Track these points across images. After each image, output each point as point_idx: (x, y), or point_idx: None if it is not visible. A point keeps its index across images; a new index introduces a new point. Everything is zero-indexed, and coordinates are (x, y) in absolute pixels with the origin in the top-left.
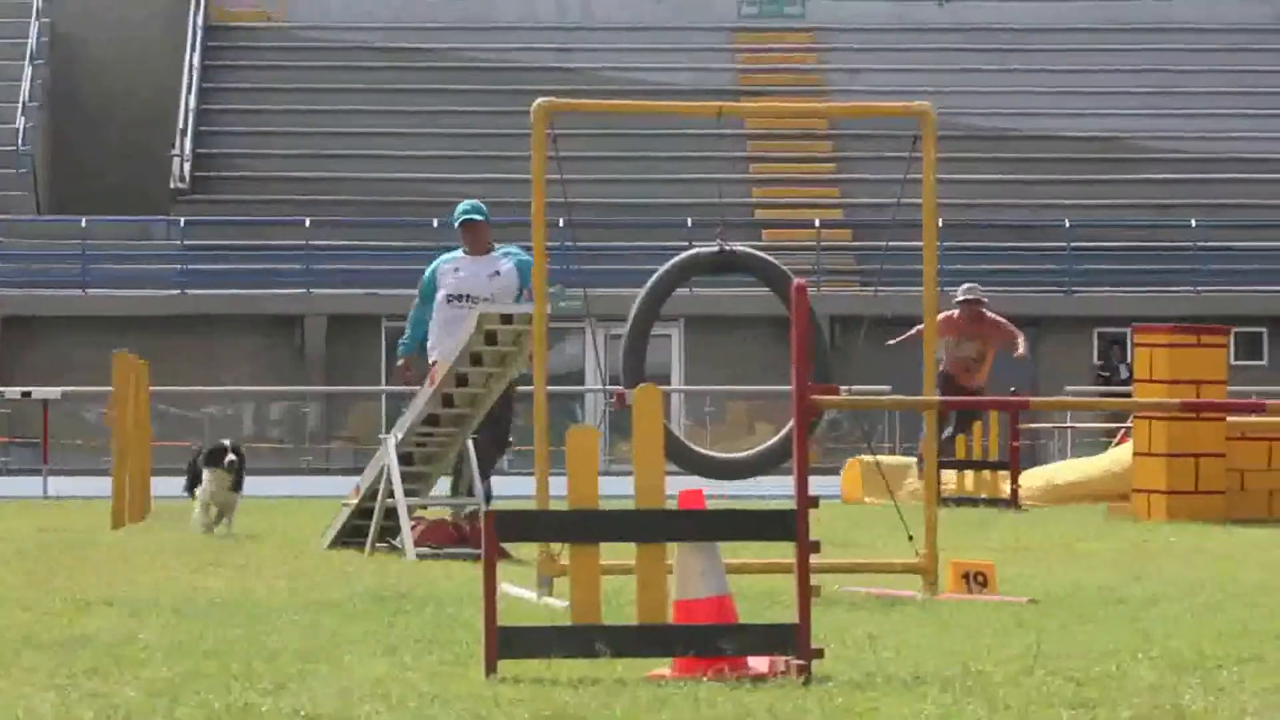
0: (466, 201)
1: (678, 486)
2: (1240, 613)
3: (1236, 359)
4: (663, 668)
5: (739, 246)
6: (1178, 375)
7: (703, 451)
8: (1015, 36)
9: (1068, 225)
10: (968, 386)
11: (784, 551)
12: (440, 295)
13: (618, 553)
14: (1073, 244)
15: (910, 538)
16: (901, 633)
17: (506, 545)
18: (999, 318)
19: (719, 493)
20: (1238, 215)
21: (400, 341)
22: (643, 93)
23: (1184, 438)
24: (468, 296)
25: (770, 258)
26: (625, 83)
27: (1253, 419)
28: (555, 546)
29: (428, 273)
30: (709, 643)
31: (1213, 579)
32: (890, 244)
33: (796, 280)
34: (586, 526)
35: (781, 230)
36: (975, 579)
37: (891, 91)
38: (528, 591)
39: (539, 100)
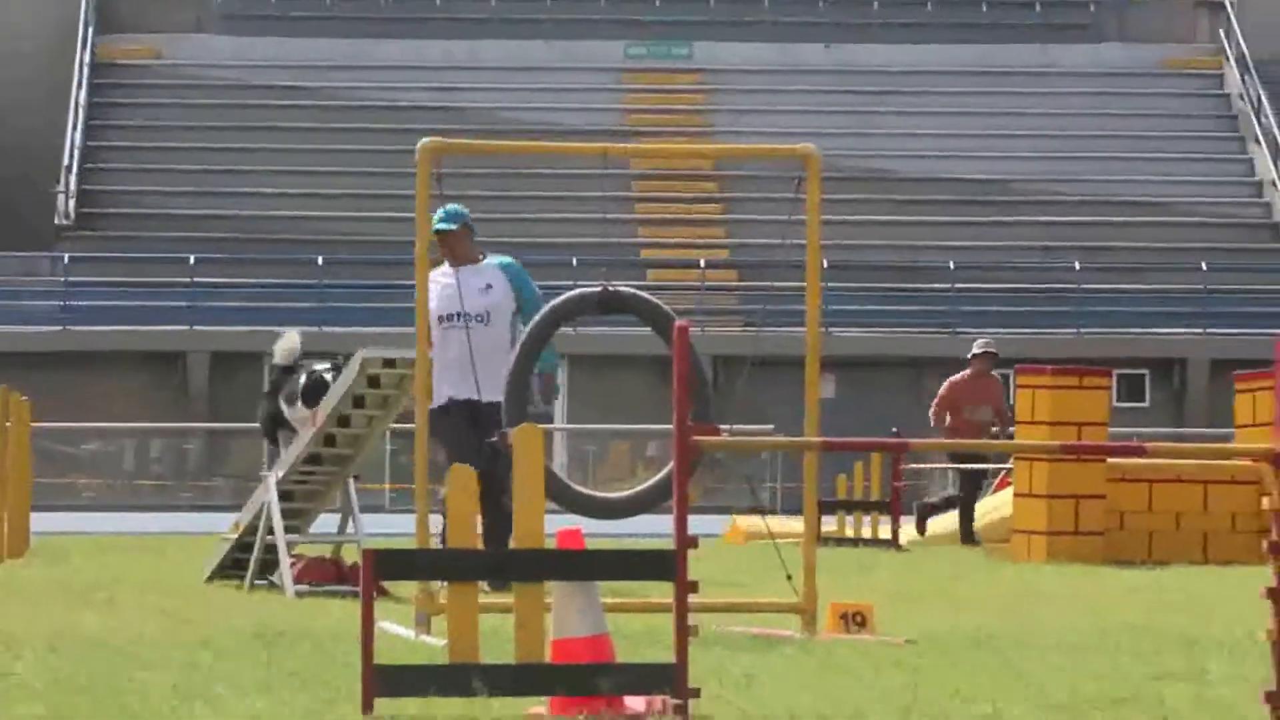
0: (443, 208)
1: (559, 526)
2: (1115, 654)
3: (1119, 401)
4: (539, 706)
5: (622, 287)
6: (1060, 417)
7: (583, 491)
8: (901, 79)
9: (951, 267)
10: (988, 457)
11: (663, 591)
12: (435, 319)
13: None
14: (956, 285)
15: (789, 578)
16: (779, 672)
17: (385, 583)
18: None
19: (600, 532)
20: (1120, 258)
21: None
22: (530, 133)
23: (1065, 479)
24: (459, 315)
25: (653, 298)
26: (512, 123)
27: (1133, 461)
28: (434, 585)
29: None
30: (586, 682)
31: (1089, 620)
32: (774, 285)
33: (679, 321)
34: (465, 565)
35: (667, 270)
36: (854, 619)
37: (777, 133)
38: (406, 630)
39: (424, 140)
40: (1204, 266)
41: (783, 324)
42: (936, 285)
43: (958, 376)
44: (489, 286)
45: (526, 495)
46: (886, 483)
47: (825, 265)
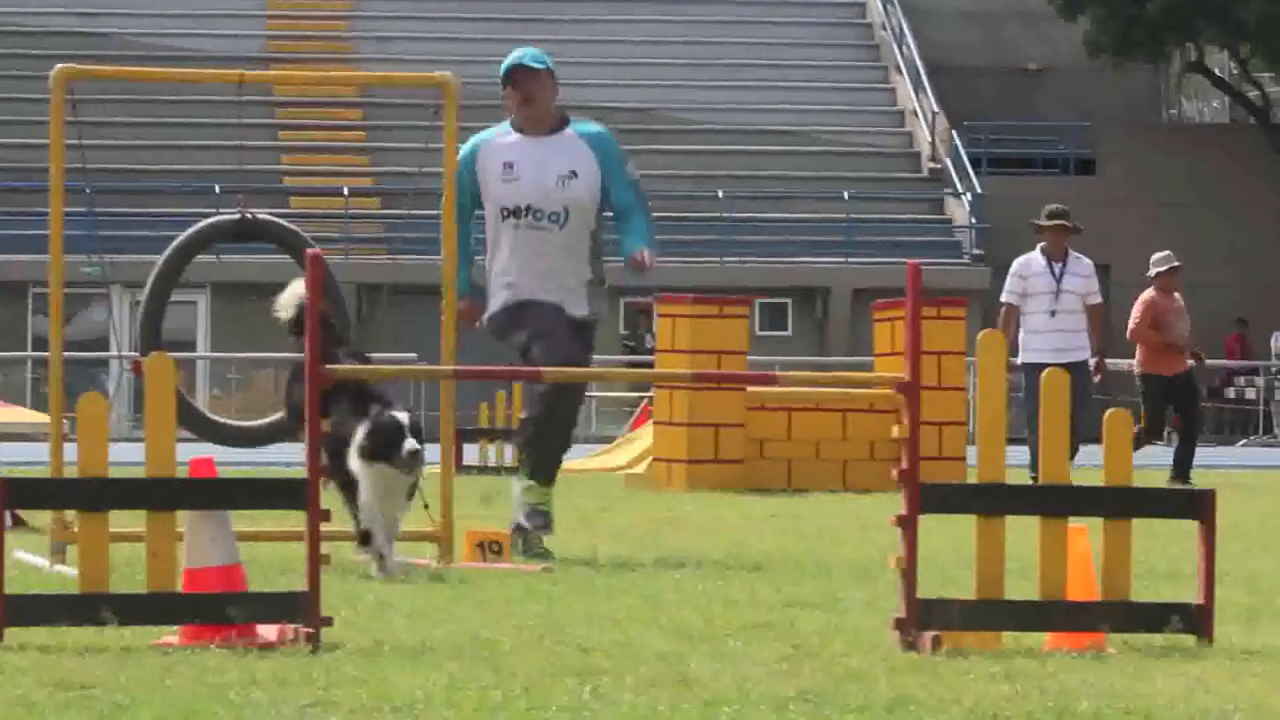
0: (522, 48)
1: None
2: (751, 581)
3: (761, 329)
4: (171, 636)
5: (260, 214)
6: (699, 345)
7: (218, 419)
8: (545, 6)
9: None
10: (1171, 375)
11: (300, 519)
12: (491, 208)
13: (137, 520)
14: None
15: (426, 506)
16: (413, 601)
17: (22, 512)
18: None
19: (243, 460)
20: (764, 187)
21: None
22: (172, 59)
23: (704, 407)
24: (530, 210)
25: (291, 226)
26: (155, 48)
27: (772, 389)
28: (68, 514)
29: (460, 164)
30: (217, 610)
31: (726, 548)
32: (416, 213)
33: (311, 249)
34: (94, 494)
35: (310, 198)
36: (490, 548)
37: (423, 60)
38: (41, 559)
39: (58, 66)
40: (846, 196)
41: (426, 252)
42: None
43: (1150, 294)
44: (573, 174)
45: (158, 424)
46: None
47: None
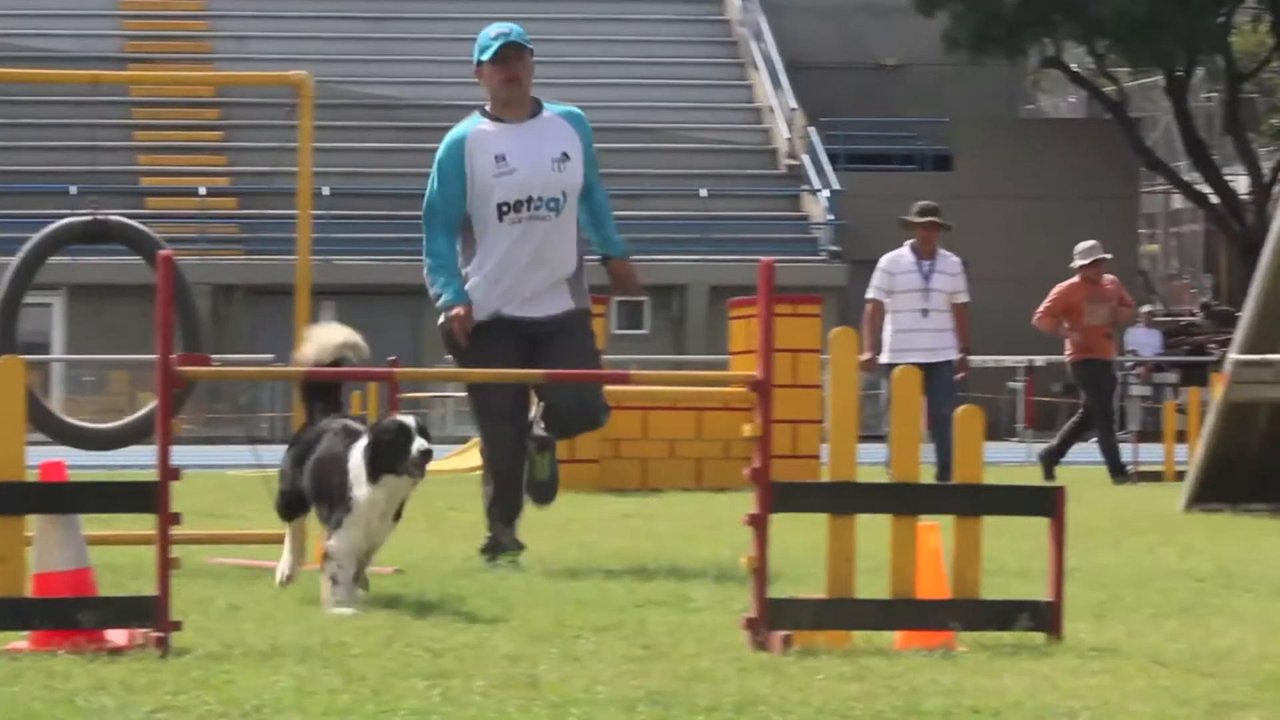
0: (497, 24)
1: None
2: (602, 581)
3: (619, 328)
4: (20, 641)
5: (113, 215)
6: None
7: (71, 422)
8: (403, 5)
9: None
10: (1109, 360)
11: (153, 523)
12: (483, 207)
13: None
14: None
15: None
16: (264, 604)
17: None
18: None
19: (101, 464)
20: (621, 184)
21: (435, 292)
22: (26, 59)
23: None
24: (530, 202)
25: (143, 227)
26: (9, 48)
27: (627, 388)
28: None
29: (442, 165)
30: (67, 616)
31: (578, 548)
32: (271, 212)
33: (162, 251)
34: None
35: (166, 199)
36: None
37: (281, 59)
38: None
39: None
40: (704, 193)
41: (282, 252)
42: None
43: (1067, 282)
44: (565, 156)
45: (8, 427)
46: (385, 411)
47: (327, 193)
